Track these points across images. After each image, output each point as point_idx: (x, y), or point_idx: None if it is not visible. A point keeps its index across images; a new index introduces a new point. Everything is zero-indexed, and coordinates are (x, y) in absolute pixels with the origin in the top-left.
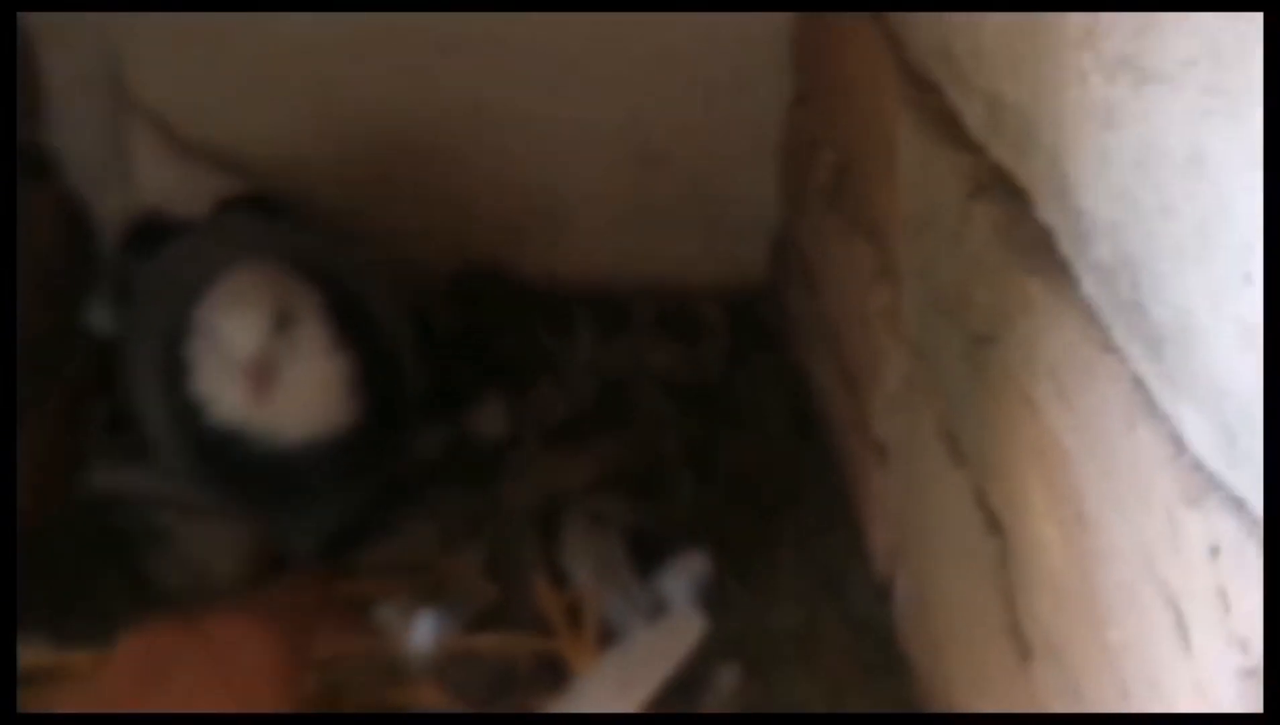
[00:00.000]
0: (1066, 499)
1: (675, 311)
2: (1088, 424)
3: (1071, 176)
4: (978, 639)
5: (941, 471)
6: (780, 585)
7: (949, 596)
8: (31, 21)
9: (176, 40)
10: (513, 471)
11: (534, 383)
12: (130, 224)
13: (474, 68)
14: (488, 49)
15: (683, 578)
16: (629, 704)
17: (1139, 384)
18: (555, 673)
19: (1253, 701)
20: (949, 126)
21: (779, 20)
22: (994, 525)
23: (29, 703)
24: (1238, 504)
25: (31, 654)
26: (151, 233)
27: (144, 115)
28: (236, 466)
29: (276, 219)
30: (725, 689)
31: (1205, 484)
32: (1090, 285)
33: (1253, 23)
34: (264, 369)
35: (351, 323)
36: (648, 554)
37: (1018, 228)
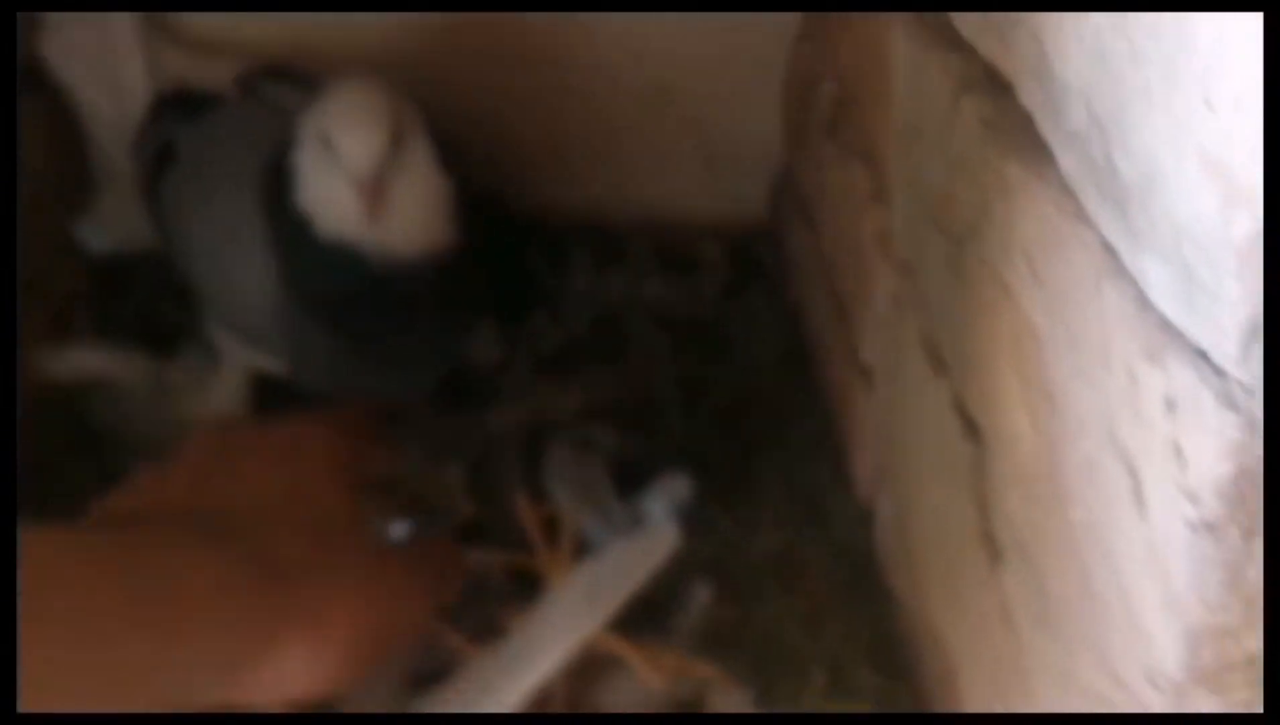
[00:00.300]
0: (1037, 383)
1: (672, 246)
2: (1057, 297)
3: (1050, 49)
4: (952, 552)
5: (923, 384)
6: (762, 511)
7: (926, 514)
8: None
9: None
10: (502, 397)
11: (528, 312)
12: (160, 95)
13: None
14: None
15: (663, 498)
16: (598, 614)
17: (1107, 248)
18: (529, 587)
19: (1202, 555)
20: (941, 29)
21: None
22: (971, 430)
23: None
24: (1196, 354)
25: None
26: (186, 100)
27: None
28: (345, 283)
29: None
30: (697, 607)
31: (1166, 338)
32: (1064, 157)
33: None
34: (379, 184)
35: (445, 151)
36: (632, 480)
37: (1002, 118)
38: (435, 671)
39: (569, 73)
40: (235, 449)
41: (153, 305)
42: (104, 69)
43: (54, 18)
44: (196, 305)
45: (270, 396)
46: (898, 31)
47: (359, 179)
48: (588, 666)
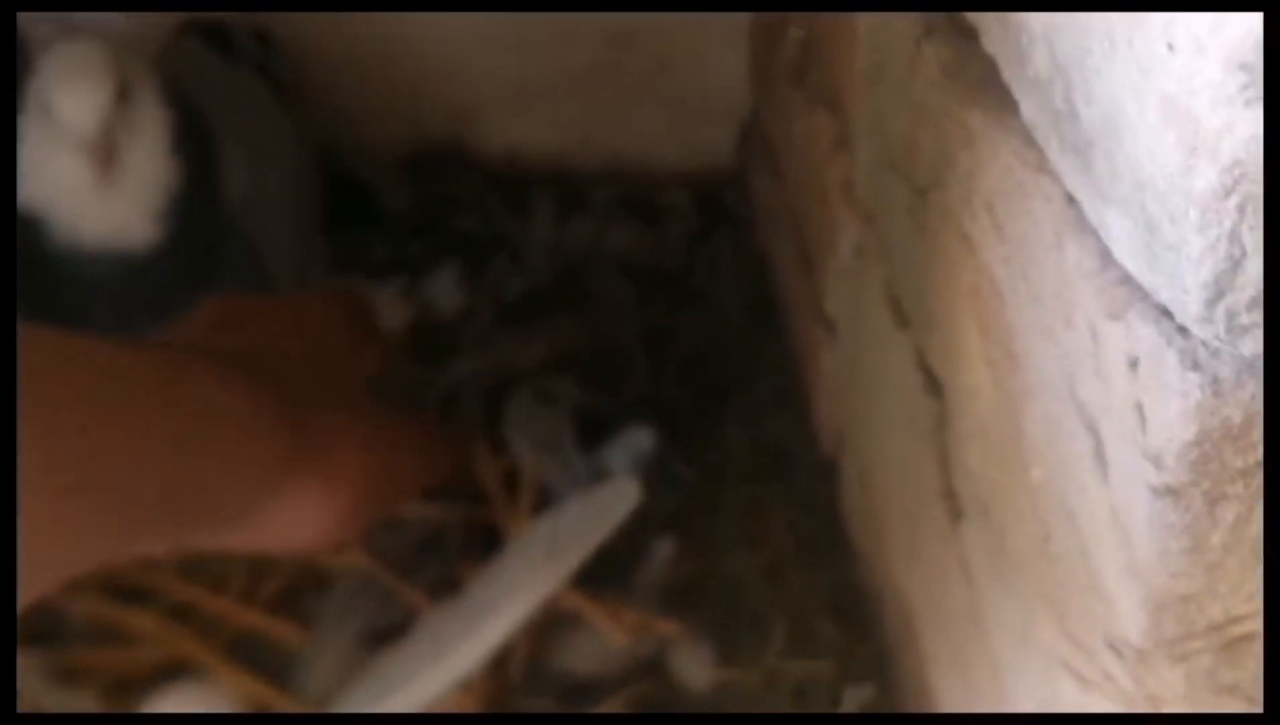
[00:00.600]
0: (998, 337)
1: (638, 195)
2: (1019, 251)
3: None
4: (913, 508)
5: (885, 338)
6: (726, 465)
7: (888, 470)
8: None
9: None
10: (462, 347)
11: (490, 261)
12: None
13: None
14: None
15: (626, 452)
16: (559, 569)
17: (1070, 201)
18: (488, 540)
19: (1164, 521)
20: None
21: None
22: (932, 385)
23: None
24: (1159, 312)
25: None
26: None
27: None
28: (32, 259)
29: (229, 50)
30: (660, 561)
31: (1128, 295)
32: (1027, 104)
33: None
34: (108, 146)
35: (191, 141)
36: (594, 432)
37: (965, 65)
38: (392, 627)
39: (530, 16)
40: (242, 312)
41: None
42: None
43: None
44: None
45: None
46: None
47: (86, 137)
48: (548, 623)
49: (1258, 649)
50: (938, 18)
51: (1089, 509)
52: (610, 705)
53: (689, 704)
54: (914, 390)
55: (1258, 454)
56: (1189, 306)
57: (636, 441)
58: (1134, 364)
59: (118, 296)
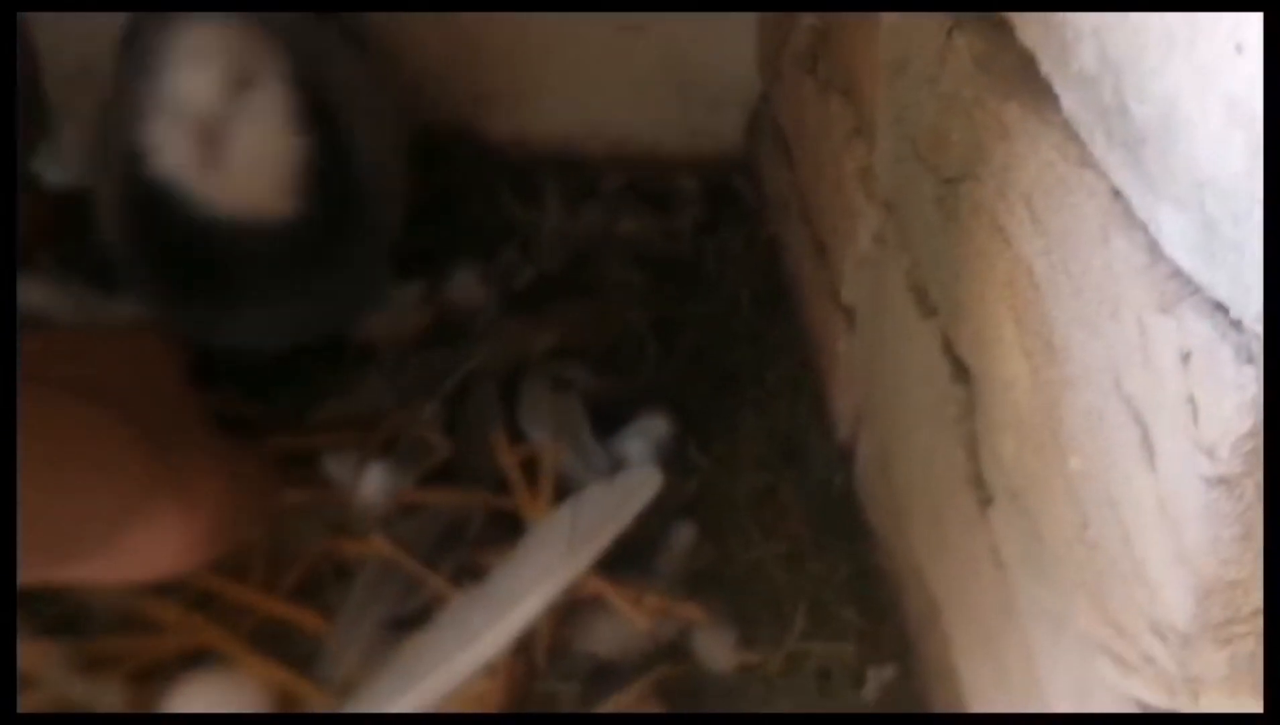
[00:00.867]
0: (1035, 329)
1: (647, 181)
2: (1060, 245)
3: None
4: (939, 495)
5: (909, 326)
6: (741, 451)
7: (911, 456)
8: None
9: None
10: (476, 335)
11: (501, 248)
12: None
13: None
14: None
15: (642, 440)
16: (581, 556)
17: (1116, 195)
18: (509, 528)
19: (1217, 511)
20: None
21: None
22: (960, 373)
23: None
24: (1213, 307)
25: None
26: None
27: None
28: (168, 230)
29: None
30: (680, 549)
31: (1180, 289)
32: (1070, 100)
33: None
34: (214, 130)
35: (317, 114)
36: (609, 420)
37: (998, 57)
38: (415, 614)
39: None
40: (76, 344)
41: None
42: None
43: None
44: None
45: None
46: None
47: (191, 121)
48: (571, 608)
49: None
50: (968, 11)
51: (1133, 498)
52: (634, 687)
53: (712, 686)
54: (940, 378)
55: None
56: (1249, 305)
57: (652, 429)
58: (1186, 358)
59: (262, 267)
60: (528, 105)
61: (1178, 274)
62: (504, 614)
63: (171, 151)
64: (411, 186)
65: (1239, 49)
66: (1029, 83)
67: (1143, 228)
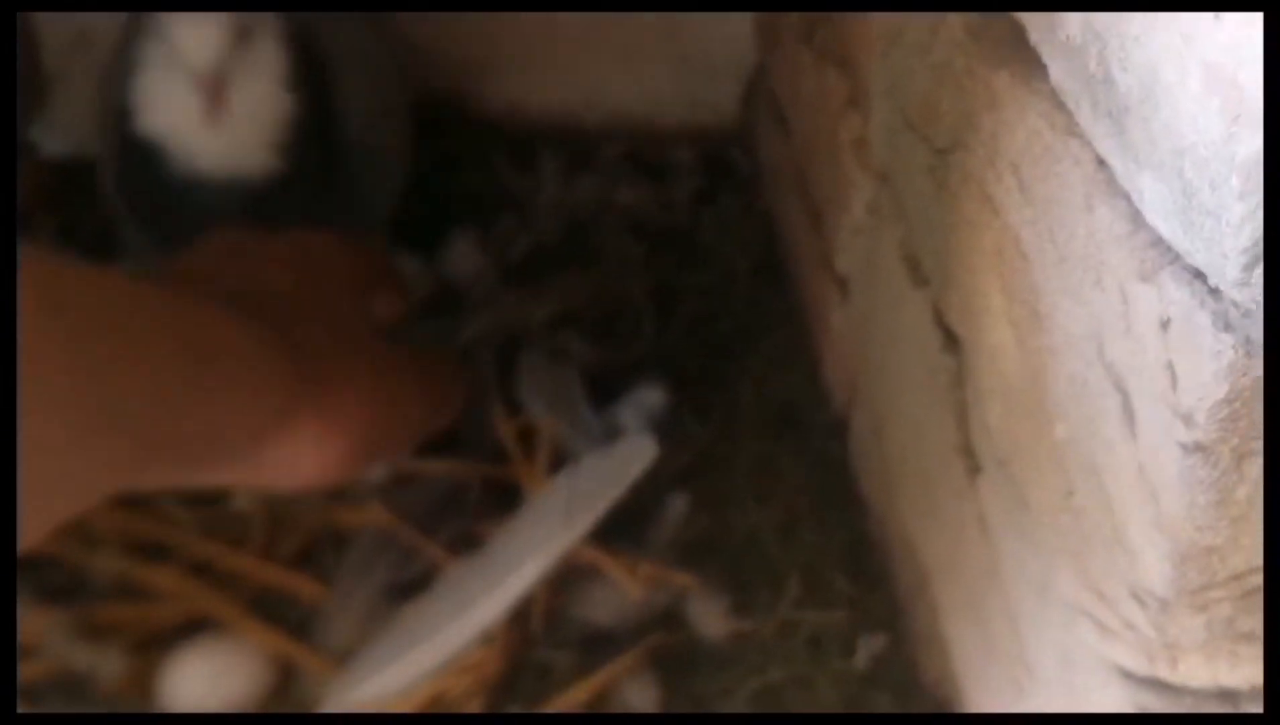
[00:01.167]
0: (1022, 297)
1: (644, 151)
2: (1046, 214)
3: None
4: (929, 463)
5: (901, 296)
6: (737, 421)
7: (903, 426)
8: None
9: None
10: (472, 304)
11: (498, 219)
12: None
13: None
14: None
15: (638, 409)
16: (577, 525)
17: (1101, 164)
18: (507, 498)
19: (1193, 477)
20: None
21: None
22: (950, 342)
23: None
24: (1192, 275)
25: None
26: None
27: None
28: (158, 185)
29: None
30: (675, 518)
31: (1160, 257)
32: (1056, 68)
33: None
34: (220, 81)
35: (308, 71)
36: (606, 391)
37: (989, 27)
38: (412, 583)
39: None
40: (246, 248)
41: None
42: None
43: None
44: None
45: None
46: None
47: (198, 73)
48: (567, 576)
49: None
50: None
51: (1115, 465)
52: (629, 655)
53: (705, 654)
54: (931, 348)
55: None
56: (1226, 271)
57: (648, 399)
58: (1165, 325)
59: (237, 222)
60: (524, 75)
61: (1158, 242)
62: (501, 582)
63: (170, 106)
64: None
65: (1217, 16)
66: (1019, 51)
67: (1125, 196)
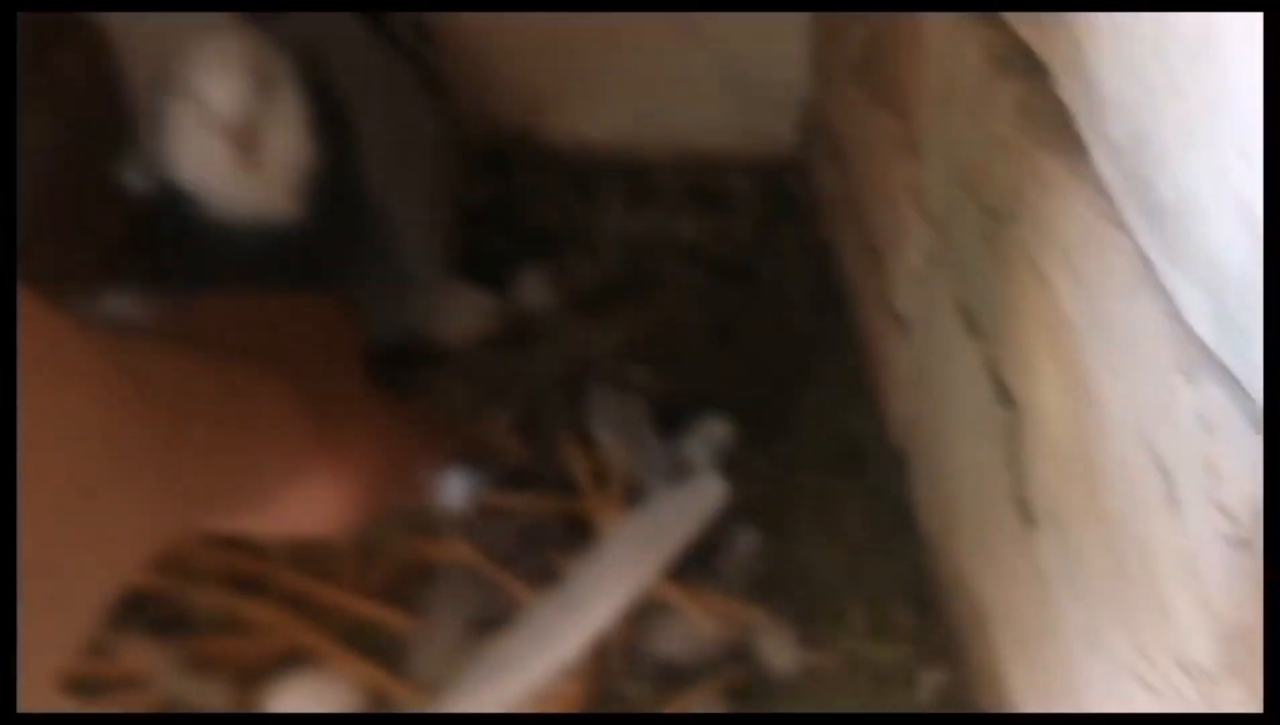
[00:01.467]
0: (1071, 371)
1: (703, 182)
2: (1094, 296)
3: (1089, 54)
4: (985, 508)
5: (957, 344)
6: (799, 454)
7: (959, 466)
8: None
9: None
10: (541, 338)
11: (562, 251)
12: None
13: None
14: None
15: (704, 443)
16: (651, 562)
17: (1143, 258)
18: (581, 531)
19: (1237, 567)
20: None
21: None
22: (1004, 396)
23: None
24: (1229, 377)
25: None
26: None
27: None
28: (171, 231)
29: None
30: (743, 552)
31: (1199, 355)
32: (1103, 162)
33: None
34: (249, 132)
35: (326, 118)
36: (670, 421)
37: (1038, 103)
38: (495, 615)
39: (596, 10)
40: (240, 311)
41: None
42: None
43: None
44: None
45: None
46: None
47: (227, 124)
48: (642, 611)
49: None
50: (1011, 53)
51: (1160, 542)
52: (703, 688)
53: (775, 686)
54: (984, 398)
55: None
56: (1255, 381)
57: (713, 431)
58: (1204, 421)
59: (262, 267)
60: (587, 110)
61: (1197, 341)
62: (580, 617)
63: (198, 157)
64: (470, 193)
65: (1244, 156)
66: (1067, 136)
67: (1165, 293)
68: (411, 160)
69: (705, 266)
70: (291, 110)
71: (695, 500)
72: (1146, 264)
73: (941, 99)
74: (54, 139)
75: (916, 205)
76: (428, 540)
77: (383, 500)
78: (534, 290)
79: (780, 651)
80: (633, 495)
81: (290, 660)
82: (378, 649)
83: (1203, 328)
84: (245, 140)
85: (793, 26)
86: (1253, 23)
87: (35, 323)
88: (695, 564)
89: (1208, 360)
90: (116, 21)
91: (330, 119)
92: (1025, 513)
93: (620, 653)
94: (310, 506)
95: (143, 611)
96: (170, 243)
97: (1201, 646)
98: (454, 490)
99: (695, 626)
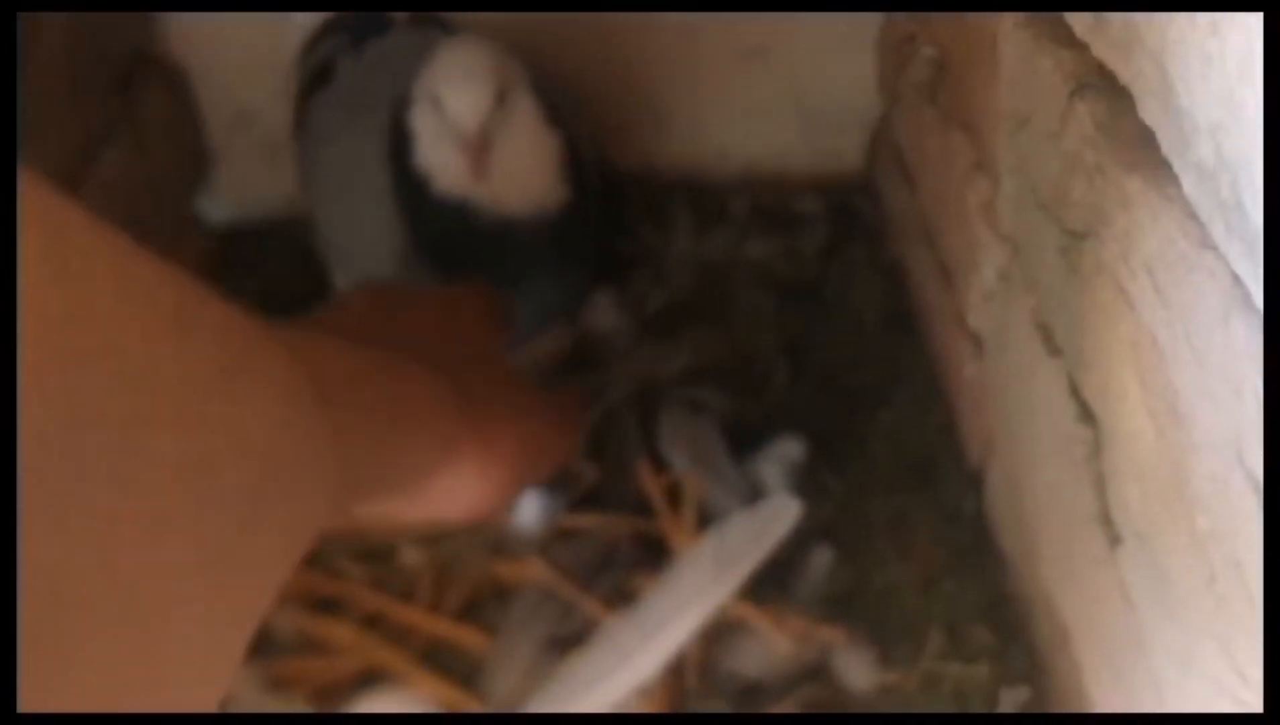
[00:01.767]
0: (1159, 392)
1: (772, 203)
2: (1182, 318)
3: (1175, 78)
4: (1068, 527)
5: (1035, 362)
6: (873, 474)
7: (1040, 485)
8: None
9: None
10: (610, 359)
11: (635, 274)
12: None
13: None
14: None
15: (777, 463)
16: (726, 584)
17: (1236, 280)
18: (655, 552)
19: None
20: (1051, 24)
21: None
22: (1087, 415)
23: None
24: None
25: None
26: (359, 22)
27: None
28: (461, 238)
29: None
30: (819, 571)
31: None
32: (1190, 185)
33: None
34: (484, 142)
35: (553, 109)
36: (743, 441)
37: (1119, 125)
38: (571, 635)
39: (664, 35)
40: (392, 302)
41: (280, 277)
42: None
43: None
44: (323, 264)
45: None
46: (1005, 19)
47: (465, 137)
48: (718, 630)
49: None
50: (1088, 74)
51: (1257, 563)
52: (782, 707)
53: (853, 706)
54: (1065, 417)
55: None
56: None
57: (786, 452)
58: None
59: (539, 258)
60: (656, 133)
61: None
62: (656, 637)
63: (451, 169)
64: None
65: None
66: (1150, 155)
67: (1260, 315)
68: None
69: (775, 287)
70: (527, 115)
71: (770, 520)
72: (1239, 285)
73: (1016, 119)
74: (136, 174)
75: (990, 224)
76: (504, 561)
77: (524, 482)
78: (605, 312)
79: (858, 670)
80: (706, 516)
81: (368, 680)
82: (455, 669)
83: None
84: (479, 152)
85: (859, 46)
86: None
87: (228, 323)
88: (771, 584)
89: None
90: (195, 61)
91: (564, 109)
92: (1110, 532)
93: (696, 672)
94: (457, 491)
95: None
96: (440, 247)
97: None
98: (529, 511)
99: (772, 646)
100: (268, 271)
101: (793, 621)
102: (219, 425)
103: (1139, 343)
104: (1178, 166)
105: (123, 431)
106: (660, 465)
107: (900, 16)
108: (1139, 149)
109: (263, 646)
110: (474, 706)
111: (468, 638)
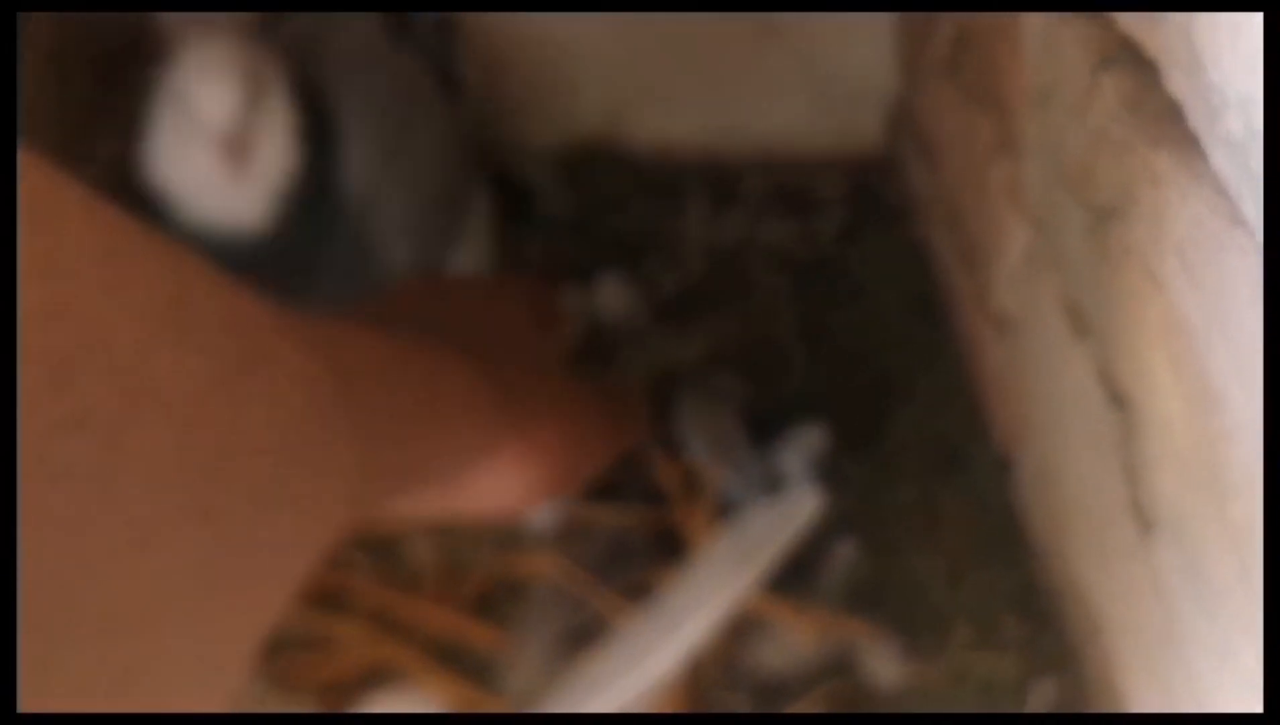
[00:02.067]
0: (1192, 375)
1: (788, 184)
2: (1214, 299)
3: (1203, 49)
4: (1098, 514)
5: (1063, 346)
6: (897, 461)
7: (1070, 472)
8: None
9: None
10: (623, 345)
11: (645, 258)
12: None
13: None
14: None
15: (798, 452)
16: (747, 576)
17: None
18: (672, 544)
19: None
20: None
21: None
22: (1117, 400)
23: None
24: None
25: None
26: None
27: None
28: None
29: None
30: (842, 563)
31: None
32: (1220, 159)
33: None
34: (240, 142)
35: (314, 137)
36: (762, 429)
37: (1146, 99)
38: (587, 630)
39: (675, 13)
40: (436, 292)
41: None
42: None
43: None
44: None
45: None
46: None
47: (218, 132)
48: (738, 624)
49: None
50: (1114, 48)
51: None
52: (805, 702)
53: (879, 700)
54: (1095, 401)
55: None
56: None
57: (807, 440)
58: None
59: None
60: (667, 112)
61: None
62: (675, 632)
63: (186, 163)
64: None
65: None
66: (1178, 130)
67: None
68: (403, 169)
69: (793, 270)
70: (280, 119)
71: (791, 511)
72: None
73: (1040, 96)
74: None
75: (1015, 204)
76: (516, 555)
77: (567, 479)
78: (617, 298)
79: (884, 663)
80: (725, 507)
81: (376, 676)
82: (467, 665)
83: None
84: (234, 150)
85: (877, 24)
86: None
87: (236, 313)
88: (793, 576)
89: None
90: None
91: (313, 127)
92: (1143, 520)
93: (717, 668)
94: (493, 487)
95: None
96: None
97: None
98: (540, 517)
99: (795, 640)
100: None
101: (815, 615)
102: (220, 424)
103: (1169, 325)
104: (1207, 140)
105: (110, 433)
106: (676, 454)
107: None
108: (1168, 124)
109: (271, 642)
110: (487, 704)
111: (480, 634)
